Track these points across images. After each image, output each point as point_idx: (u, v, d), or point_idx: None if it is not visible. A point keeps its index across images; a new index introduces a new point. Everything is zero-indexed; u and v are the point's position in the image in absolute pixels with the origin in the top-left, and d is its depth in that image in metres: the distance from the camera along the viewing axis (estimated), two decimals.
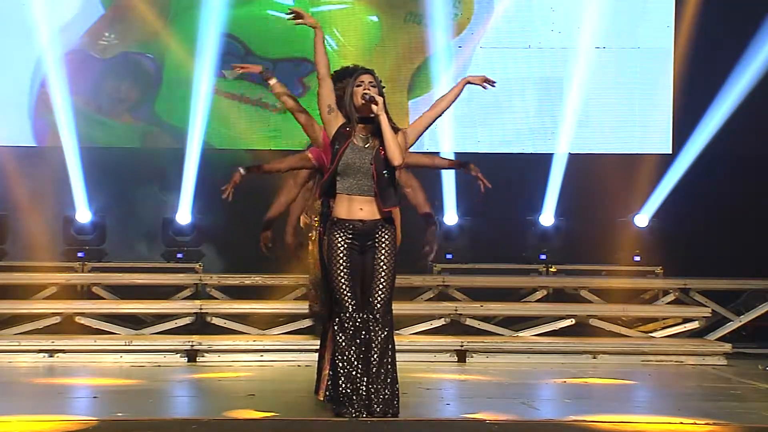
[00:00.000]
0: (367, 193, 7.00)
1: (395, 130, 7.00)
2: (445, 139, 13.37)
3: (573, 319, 10.71)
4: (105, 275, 11.80)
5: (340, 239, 7.00)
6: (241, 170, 7.61)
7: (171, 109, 13.64)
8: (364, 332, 6.90)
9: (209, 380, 9.14)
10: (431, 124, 7.17)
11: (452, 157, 11.61)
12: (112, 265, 12.53)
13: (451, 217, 13.47)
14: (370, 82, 7.00)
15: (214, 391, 8.72)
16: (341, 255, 6.99)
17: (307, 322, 10.43)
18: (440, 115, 7.18)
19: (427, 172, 9.62)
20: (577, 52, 13.67)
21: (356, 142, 7.00)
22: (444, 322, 10.68)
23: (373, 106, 6.93)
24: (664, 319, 11.20)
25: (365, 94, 6.95)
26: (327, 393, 7.16)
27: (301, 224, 9.49)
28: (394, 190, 7.04)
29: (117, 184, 13.27)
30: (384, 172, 6.98)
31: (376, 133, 6.99)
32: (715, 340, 10.83)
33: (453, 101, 7.16)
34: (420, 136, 7.15)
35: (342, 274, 6.97)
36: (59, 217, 13.11)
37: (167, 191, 13.42)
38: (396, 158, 6.94)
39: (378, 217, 7.01)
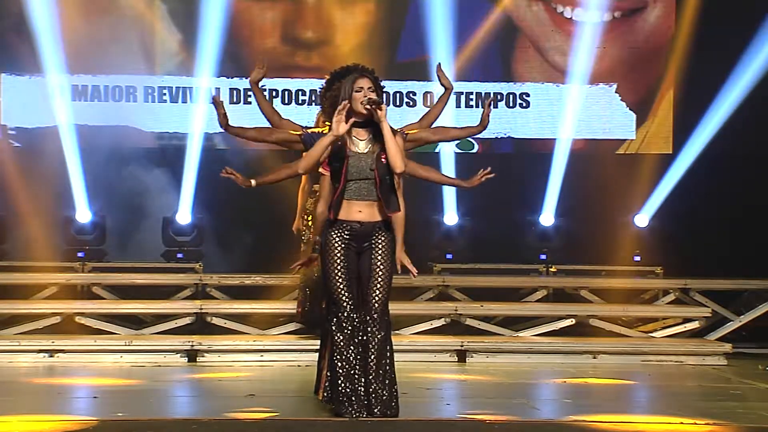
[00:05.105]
0: (367, 198, 6.93)
1: (393, 132, 6.89)
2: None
3: (573, 319, 10.70)
4: (105, 275, 11.79)
5: (336, 239, 6.96)
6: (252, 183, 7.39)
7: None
8: (361, 333, 6.88)
9: (209, 380, 9.13)
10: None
11: (453, 156, 11.66)
12: (112, 265, 12.54)
13: (451, 217, 13.47)
14: (369, 87, 6.88)
15: (214, 391, 8.71)
16: (338, 255, 6.95)
17: None
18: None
19: None
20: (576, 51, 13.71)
21: (353, 148, 6.91)
22: (444, 322, 10.66)
23: (378, 112, 6.81)
24: (664, 319, 11.19)
25: (369, 99, 6.84)
26: (326, 393, 7.16)
27: (293, 229, 9.54)
28: (395, 195, 7.01)
29: (117, 184, 13.26)
30: (386, 177, 6.92)
31: (376, 136, 6.90)
32: (715, 340, 10.82)
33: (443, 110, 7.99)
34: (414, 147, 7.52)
35: (339, 273, 6.94)
36: (59, 217, 13.11)
37: (168, 191, 13.43)
38: (398, 166, 6.85)
39: (376, 219, 6.95)
